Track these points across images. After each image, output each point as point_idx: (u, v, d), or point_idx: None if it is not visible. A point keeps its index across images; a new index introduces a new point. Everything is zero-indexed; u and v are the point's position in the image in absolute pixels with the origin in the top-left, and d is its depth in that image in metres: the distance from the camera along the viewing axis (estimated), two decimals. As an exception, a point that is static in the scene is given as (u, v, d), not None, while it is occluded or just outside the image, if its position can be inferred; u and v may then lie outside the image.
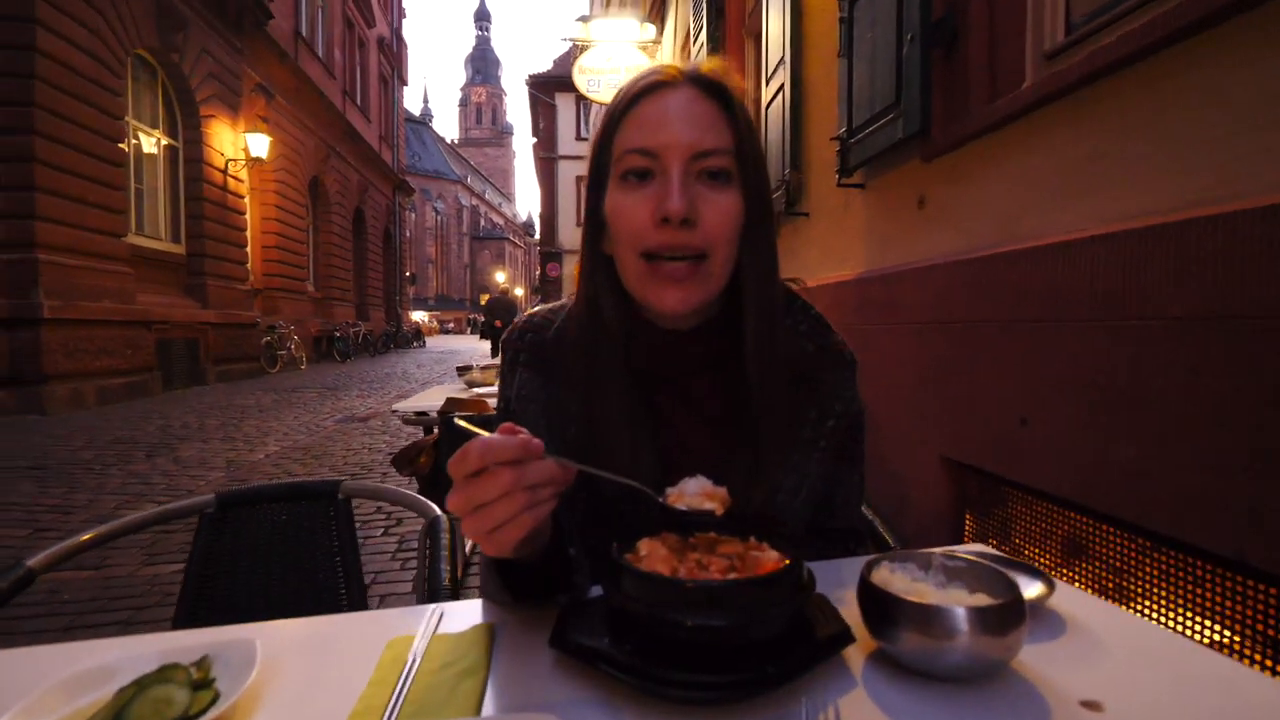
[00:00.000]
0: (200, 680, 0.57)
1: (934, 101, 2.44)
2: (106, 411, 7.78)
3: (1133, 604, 1.59)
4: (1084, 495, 1.68)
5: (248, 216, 12.92)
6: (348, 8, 20.03)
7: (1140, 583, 1.57)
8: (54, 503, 4.18)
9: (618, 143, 0.81)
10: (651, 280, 0.79)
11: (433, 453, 2.77)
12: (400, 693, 0.57)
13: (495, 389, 0.92)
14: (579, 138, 25.33)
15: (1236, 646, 1.34)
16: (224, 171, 11.80)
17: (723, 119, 0.80)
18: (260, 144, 12.39)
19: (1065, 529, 1.83)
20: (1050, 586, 0.72)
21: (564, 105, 25.45)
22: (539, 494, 0.59)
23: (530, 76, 26.23)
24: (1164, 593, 1.51)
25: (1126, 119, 1.62)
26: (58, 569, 1.05)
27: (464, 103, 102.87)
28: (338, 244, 18.49)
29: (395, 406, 3.21)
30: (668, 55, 9.76)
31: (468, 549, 2.91)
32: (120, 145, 9.02)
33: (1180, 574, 1.47)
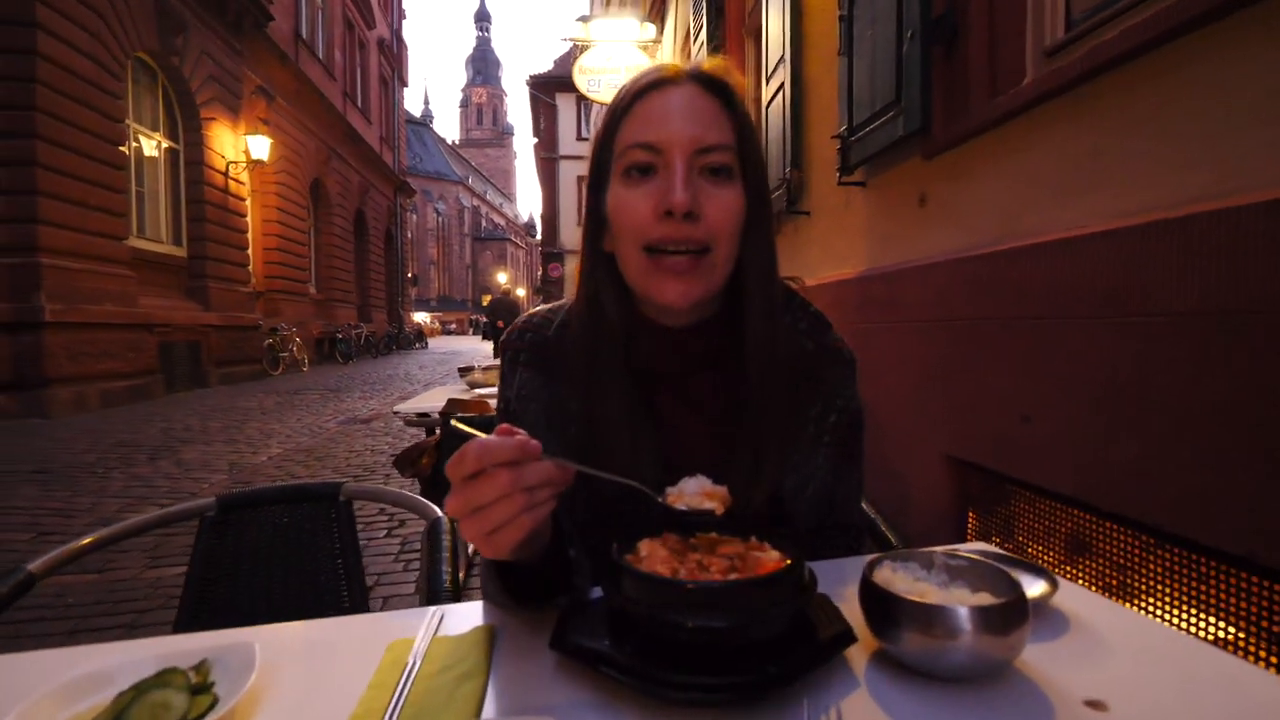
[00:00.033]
0: (199, 684, 0.57)
1: (934, 99, 2.43)
2: (109, 414, 7.79)
3: (1137, 601, 1.58)
4: (1087, 492, 1.68)
5: (249, 219, 12.94)
6: (348, 9, 20.04)
7: (1144, 580, 1.57)
8: (57, 506, 4.18)
9: (620, 139, 0.82)
10: (654, 273, 0.80)
11: (434, 454, 2.77)
12: (400, 696, 0.57)
13: (497, 390, 0.92)
14: (580, 138, 25.32)
15: (1242, 644, 1.33)
16: (225, 174, 11.81)
17: (724, 116, 0.81)
18: (261, 146, 12.41)
19: (1068, 526, 1.82)
20: (1053, 585, 0.72)
21: (564, 105, 25.45)
22: (537, 495, 0.59)
23: (531, 77, 26.25)
24: (1168, 590, 1.50)
25: (1127, 115, 1.62)
26: (60, 573, 1.05)
27: (464, 104, 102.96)
28: (339, 246, 18.51)
29: (397, 408, 3.21)
30: (668, 54, 9.75)
31: (470, 550, 2.92)
32: (121, 148, 9.05)
33: (1185, 571, 1.46)
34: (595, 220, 0.86)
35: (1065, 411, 1.74)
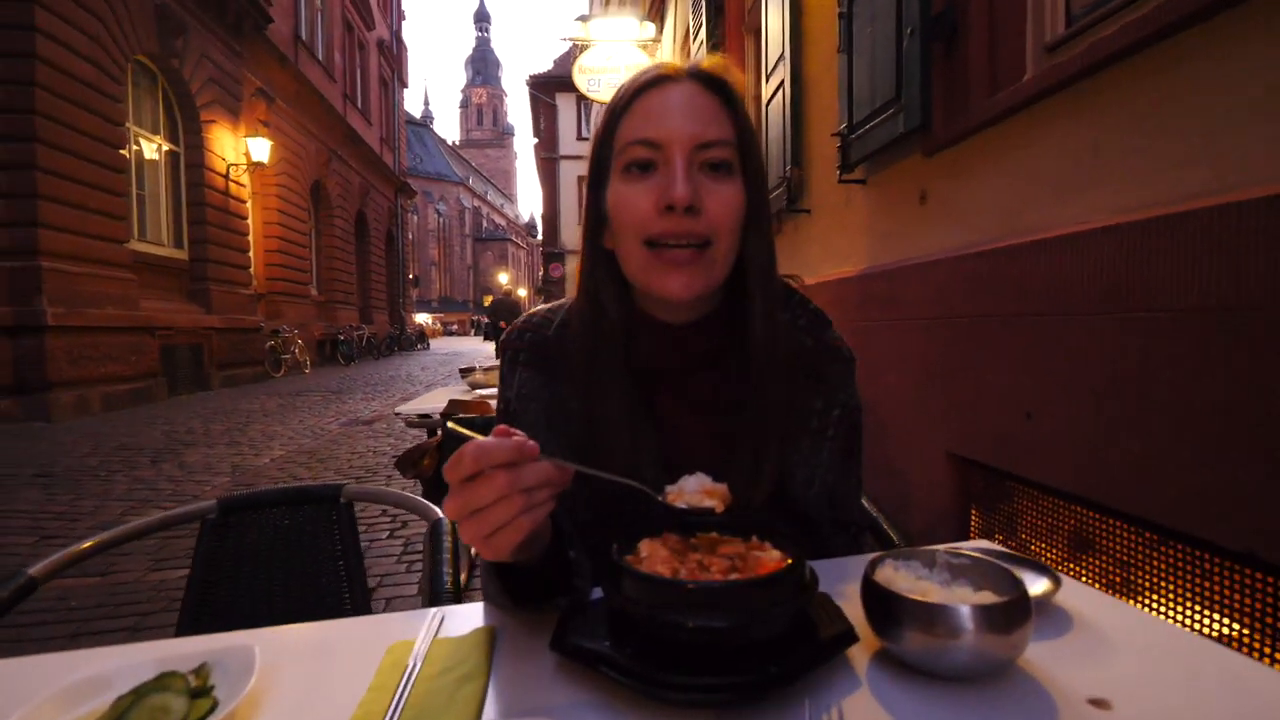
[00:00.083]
0: (198, 688, 0.57)
1: (934, 96, 2.43)
2: (111, 418, 7.80)
3: (1140, 599, 1.58)
4: (1090, 489, 1.67)
5: (250, 221, 12.95)
6: (347, 11, 20.05)
7: (1148, 577, 1.56)
8: (60, 510, 4.19)
9: (620, 136, 0.82)
10: (655, 266, 0.80)
11: (436, 455, 2.77)
12: (400, 698, 0.57)
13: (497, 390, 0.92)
14: (580, 137, 25.32)
15: (1246, 640, 1.33)
16: (225, 176, 11.82)
17: (724, 113, 0.81)
18: (261, 148, 12.42)
19: (1071, 523, 1.82)
20: (1056, 582, 0.71)
21: (565, 105, 25.45)
22: (535, 496, 0.58)
23: (531, 77, 26.25)
24: (1172, 587, 1.50)
25: (1128, 111, 1.61)
26: (62, 576, 1.05)
27: (465, 104, 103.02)
28: (340, 247, 18.53)
29: (398, 409, 3.21)
30: (667, 53, 9.75)
31: (473, 552, 2.91)
32: (122, 151, 9.06)
33: (1188, 568, 1.46)
34: (595, 217, 0.86)
35: (1067, 408, 1.73)
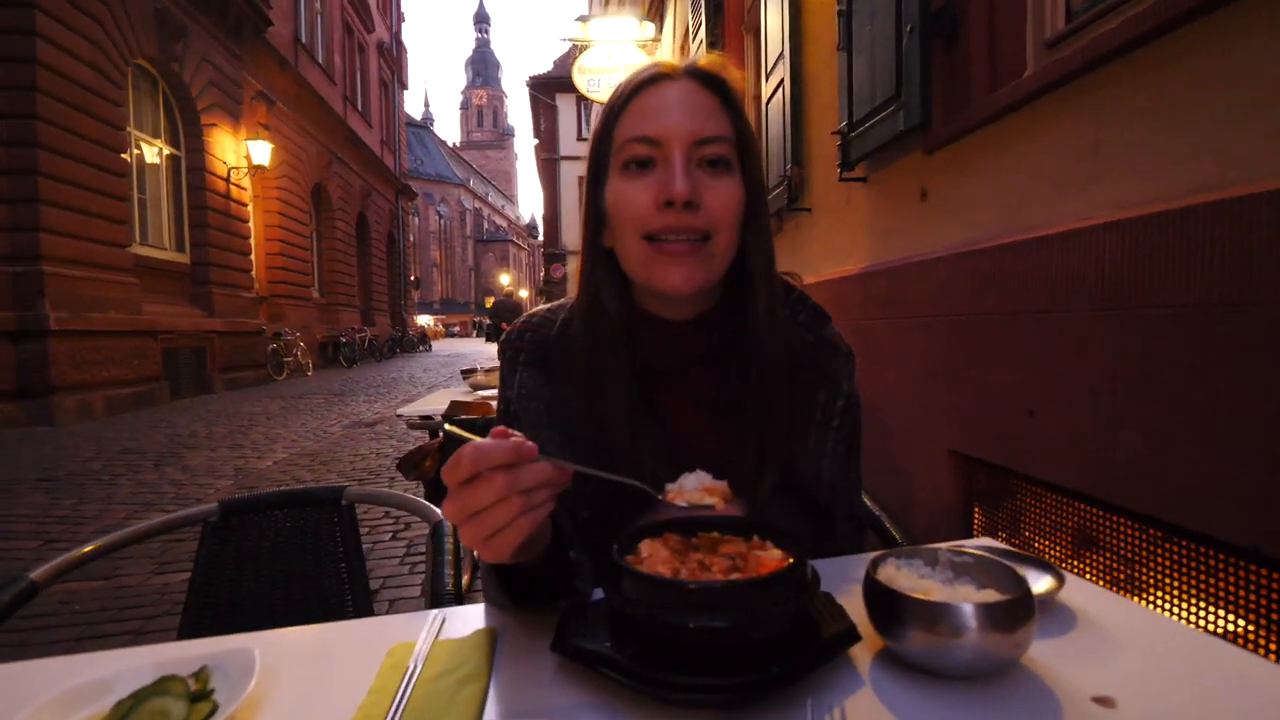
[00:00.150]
0: (198, 691, 0.57)
1: (935, 93, 2.42)
2: (114, 422, 7.82)
3: (1145, 596, 1.57)
4: (1093, 486, 1.67)
5: (251, 224, 12.97)
6: (346, 13, 20.08)
7: (1152, 574, 1.56)
8: (63, 514, 4.20)
9: (618, 133, 0.82)
10: (655, 260, 0.80)
11: (438, 456, 2.77)
12: (400, 700, 0.57)
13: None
14: (580, 138, 25.31)
15: (1252, 637, 1.32)
16: (227, 180, 11.84)
17: (722, 110, 0.82)
18: (262, 151, 12.44)
19: (1075, 521, 1.81)
20: (1060, 580, 0.71)
21: (565, 106, 25.45)
22: (534, 497, 0.58)
23: (530, 78, 26.24)
24: (1176, 584, 1.49)
25: (1129, 106, 1.60)
26: (66, 580, 1.04)
27: (465, 106, 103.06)
28: (342, 250, 18.55)
29: (400, 411, 3.21)
30: (667, 53, 9.74)
31: (475, 553, 2.91)
32: (123, 156, 9.08)
33: (1193, 564, 1.45)
34: (595, 215, 0.86)
35: (1070, 405, 1.72)
